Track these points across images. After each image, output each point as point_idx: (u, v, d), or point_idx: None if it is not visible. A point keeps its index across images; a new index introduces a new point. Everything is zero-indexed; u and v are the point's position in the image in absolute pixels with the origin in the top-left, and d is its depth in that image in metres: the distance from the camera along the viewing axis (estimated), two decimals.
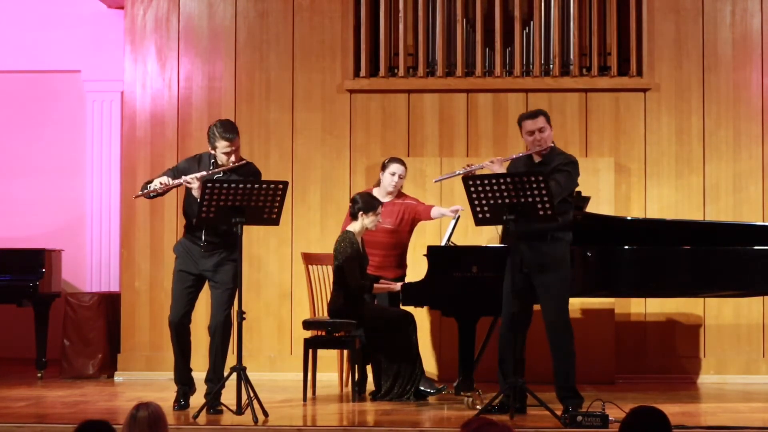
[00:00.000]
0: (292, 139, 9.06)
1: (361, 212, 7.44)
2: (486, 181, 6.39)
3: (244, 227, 6.51)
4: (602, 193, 8.59)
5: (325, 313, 7.72)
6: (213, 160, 6.75)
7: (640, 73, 8.93)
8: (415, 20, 9.04)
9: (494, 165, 6.68)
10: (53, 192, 10.27)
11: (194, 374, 6.94)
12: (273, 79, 9.09)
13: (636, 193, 8.88)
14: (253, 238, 8.75)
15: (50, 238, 9.94)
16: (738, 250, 7.20)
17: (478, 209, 6.45)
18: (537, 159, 6.70)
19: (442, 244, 7.50)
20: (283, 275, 8.99)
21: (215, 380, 6.69)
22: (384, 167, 7.86)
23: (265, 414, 6.35)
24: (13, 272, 8.84)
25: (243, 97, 9.08)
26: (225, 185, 6.39)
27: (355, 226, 7.48)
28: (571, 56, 8.93)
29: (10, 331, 9.89)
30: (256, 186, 6.45)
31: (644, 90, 8.92)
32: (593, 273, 7.09)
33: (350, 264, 7.34)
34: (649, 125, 8.93)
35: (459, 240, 7.82)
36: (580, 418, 6.13)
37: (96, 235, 10.03)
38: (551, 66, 8.94)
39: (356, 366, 7.48)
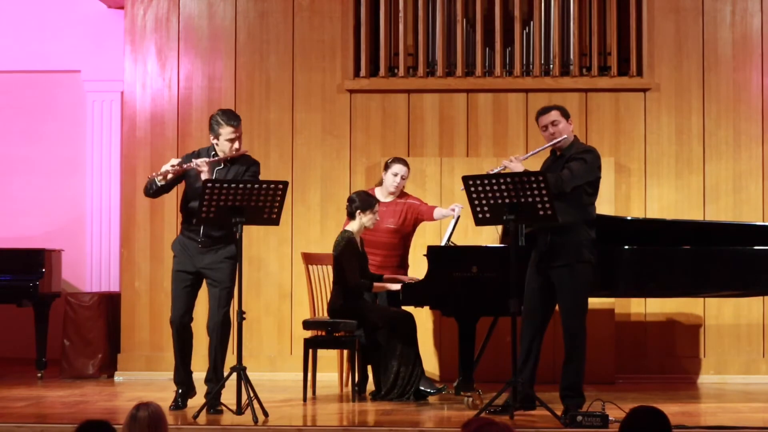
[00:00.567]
0: (292, 139, 9.07)
1: (358, 211, 7.44)
2: (486, 181, 6.38)
3: (244, 227, 6.52)
4: (602, 193, 8.51)
5: (325, 313, 7.72)
6: (213, 153, 6.78)
7: (640, 73, 8.93)
8: (415, 20, 9.04)
9: (513, 164, 6.56)
10: (53, 192, 10.27)
11: (194, 374, 6.94)
12: (273, 79, 9.09)
13: (636, 193, 8.88)
14: (253, 238, 8.75)
15: (50, 238, 9.94)
16: (738, 250, 7.19)
17: (478, 209, 6.45)
18: (558, 153, 6.69)
19: (442, 244, 7.50)
20: (283, 275, 8.99)
21: (215, 380, 6.69)
22: (386, 167, 7.86)
23: (265, 414, 6.35)
24: (13, 272, 8.84)
25: (243, 97, 9.08)
26: (225, 185, 6.40)
27: (353, 225, 7.49)
28: (571, 56, 8.93)
29: (10, 331, 9.89)
30: (257, 186, 6.45)
31: (644, 90, 8.92)
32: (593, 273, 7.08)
33: (349, 263, 7.34)
34: (649, 125, 8.93)
35: (459, 240, 7.83)
36: (580, 418, 6.13)
37: (96, 235, 10.03)
38: (551, 66, 8.95)
39: (356, 366, 7.48)
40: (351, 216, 7.51)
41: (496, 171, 6.59)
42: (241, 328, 6.48)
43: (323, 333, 7.55)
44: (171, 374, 7.00)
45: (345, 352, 7.90)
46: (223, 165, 6.76)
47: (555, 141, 6.61)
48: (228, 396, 6.57)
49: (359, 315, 7.39)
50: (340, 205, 8.78)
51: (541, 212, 6.34)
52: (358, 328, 7.39)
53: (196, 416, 6.32)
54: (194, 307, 6.87)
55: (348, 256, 7.35)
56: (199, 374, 6.90)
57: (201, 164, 6.65)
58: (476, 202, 6.43)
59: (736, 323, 8.80)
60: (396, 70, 9.04)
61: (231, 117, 6.77)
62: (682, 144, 8.91)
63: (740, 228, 7.79)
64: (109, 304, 9.11)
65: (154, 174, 6.83)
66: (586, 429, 6.06)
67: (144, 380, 8.73)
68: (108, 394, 7.97)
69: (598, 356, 8.46)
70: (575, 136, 6.74)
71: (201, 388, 6.84)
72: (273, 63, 9.10)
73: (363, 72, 9.02)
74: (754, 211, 8.80)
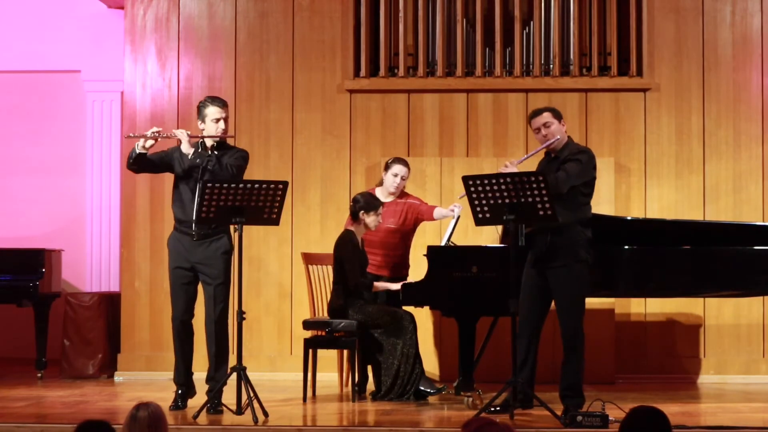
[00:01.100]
0: (292, 139, 9.07)
1: (362, 211, 7.46)
2: (486, 181, 6.38)
3: (244, 227, 6.52)
4: (602, 193, 8.58)
5: (325, 313, 7.72)
6: (201, 140, 6.83)
7: (640, 73, 8.93)
8: (415, 20, 9.04)
9: (509, 168, 6.51)
10: (53, 191, 10.27)
11: (195, 375, 6.94)
12: (273, 79, 9.09)
13: (636, 193, 8.88)
14: (253, 238, 8.75)
15: (50, 238, 9.94)
16: (738, 250, 7.19)
17: (478, 209, 6.45)
18: (553, 155, 6.69)
19: (442, 244, 7.51)
20: (283, 275, 8.99)
21: (216, 379, 6.69)
22: (387, 168, 7.86)
23: (265, 414, 6.35)
24: (13, 272, 8.84)
25: (243, 97, 9.08)
26: (225, 185, 6.40)
27: (355, 226, 7.50)
28: (571, 56, 8.93)
29: (10, 331, 9.90)
30: (256, 186, 6.46)
31: (644, 90, 8.92)
32: (593, 273, 7.07)
33: (351, 262, 7.35)
34: (649, 125, 8.93)
35: (459, 240, 7.83)
36: (580, 418, 6.13)
37: (96, 235, 10.03)
38: (551, 66, 8.95)
39: (356, 366, 7.48)
40: (354, 216, 7.52)
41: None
42: (241, 328, 6.48)
43: (323, 333, 7.55)
44: (171, 374, 7.00)
45: (345, 352, 7.90)
46: (210, 152, 6.77)
47: (548, 143, 6.62)
48: (228, 396, 6.57)
49: (360, 315, 7.39)
50: (340, 205, 8.79)
51: (541, 212, 6.34)
52: (358, 328, 7.39)
53: (196, 416, 6.32)
54: (195, 305, 6.87)
55: (350, 255, 7.36)
56: (199, 374, 6.90)
57: (180, 133, 6.74)
58: (476, 202, 6.44)
59: (736, 323, 8.80)
60: (396, 70, 9.04)
61: (216, 98, 6.90)
62: (682, 144, 8.91)
63: (740, 228, 7.79)
64: (109, 304, 9.11)
65: (135, 134, 6.93)
66: (586, 429, 6.06)
67: (144, 380, 8.73)
68: (108, 394, 7.97)
69: (598, 356, 8.46)
70: (569, 136, 6.75)
71: (201, 389, 6.84)
72: (273, 63, 9.10)
73: (363, 72, 9.02)
74: (754, 211, 8.80)
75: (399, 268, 7.81)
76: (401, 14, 9.02)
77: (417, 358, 7.41)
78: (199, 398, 6.73)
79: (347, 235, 7.46)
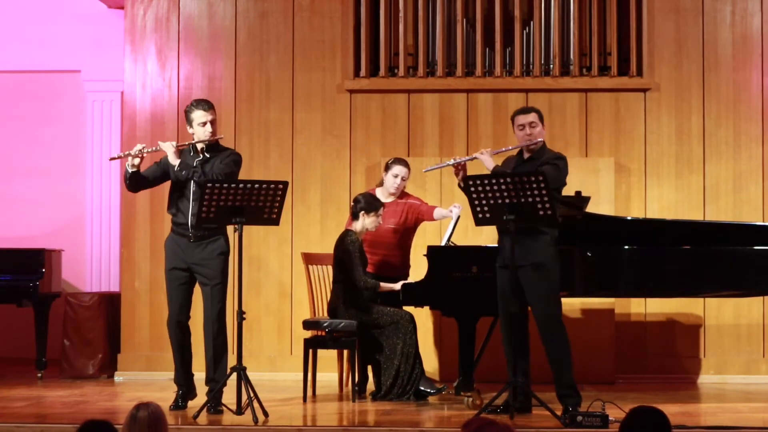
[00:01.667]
0: (292, 139, 9.07)
1: (362, 212, 7.46)
2: (486, 181, 6.39)
3: (244, 227, 6.52)
4: (602, 193, 8.59)
5: (325, 313, 7.72)
6: (191, 146, 6.84)
7: (640, 73, 8.93)
8: (415, 20, 9.04)
9: (484, 156, 6.70)
10: (53, 192, 10.27)
11: (195, 376, 6.94)
12: (273, 79, 9.09)
13: (636, 193, 8.88)
14: (253, 238, 8.75)
15: (50, 238, 9.94)
16: (738, 250, 7.19)
17: (478, 209, 6.45)
18: (527, 155, 6.70)
19: (442, 244, 7.51)
20: (283, 275, 8.99)
21: (216, 380, 6.68)
22: (387, 168, 7.86)
23: (265, 414, 6.35)
24: (13, 272, 8.84)
25: (243, 97, 9.08)
26: (225, 185, 6.41)
27: (356, 226, 7.51)
28: (571, 56, 8.93)
29: (10, 331, 9.90)
30: (256, 186, 6.46)
31: (644, 90, 8.92)
32: (593, 273, 7.08)
33: (354, 262, 7.35)
34: (649, 125, 8.93)
35: (459, 240, 7.83)
36: (580, 418, 6.13)
37: (96, 235, 10.03)
38: (551, 66, 8.95)
39: (356, 366, 7.48)
40: (355, 216, 7.52)
41: (463, 160, 6.74)
42: (241, 328, 6.48)
43: (323, 333, 7.55)
44: (171, 374, 7.00)
45: (345, 352, 7.90)
46: (202, 156, 6.77)
47: (531, 143, 6.64)
48: (228, 396, 6.57)
49: (360, 315, 7.39)
50: (340, 205, 8.79)
51: (541, 212, 6.35)
52: (358, 328, 7.39)
53: (196, 416, 6.32)
54: (191, 306, 6.87)
55: (353, 255, 7.36)
56: (200, 375, 6.90)
57: (166, 146, 6.75)
58: (476, 202, 6.44)
59: (736, 323, 8.80)
60: (396, 70, 9.04)
61: (201, 101, 6.88)
62: (682, 144, 8.91)
63: (740, 228, 7.79)
64: (109, 304, 9.11)
65: (119, 154, 6.94)
66: (586, 429, 6.06)
67: (144, 380, 8.73)
68: (108, 394, 7.98)
69: (598, 356, 8.46)
70: (544, 141, 6.77)
71: (202, 389, 6.84)
72: (273, 63, 9.10)
73: (363, 72, 9.02)
74: (754, 211, 8.80)
75: (399, 268, 7.81)
76: (401, 14, 9.02)
77: (417, 358, 7.42)
78: (200, 399, 6.73)
79: (350, 235, 7.46)
